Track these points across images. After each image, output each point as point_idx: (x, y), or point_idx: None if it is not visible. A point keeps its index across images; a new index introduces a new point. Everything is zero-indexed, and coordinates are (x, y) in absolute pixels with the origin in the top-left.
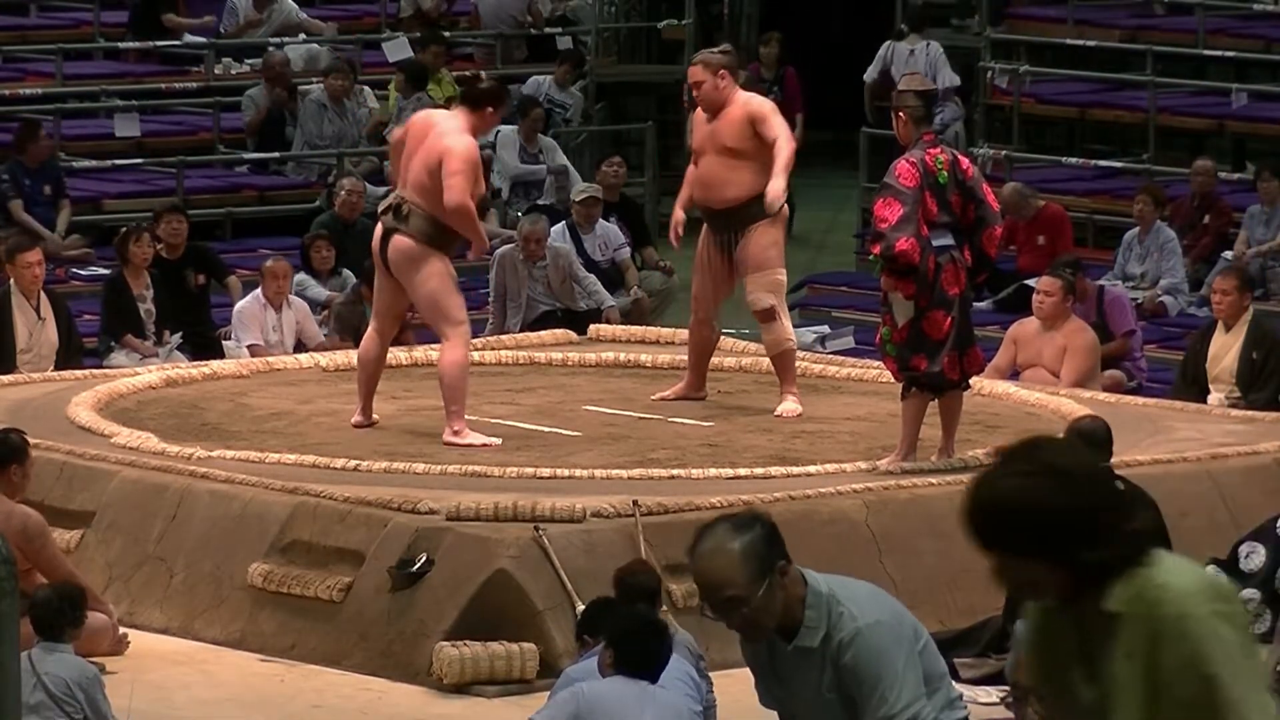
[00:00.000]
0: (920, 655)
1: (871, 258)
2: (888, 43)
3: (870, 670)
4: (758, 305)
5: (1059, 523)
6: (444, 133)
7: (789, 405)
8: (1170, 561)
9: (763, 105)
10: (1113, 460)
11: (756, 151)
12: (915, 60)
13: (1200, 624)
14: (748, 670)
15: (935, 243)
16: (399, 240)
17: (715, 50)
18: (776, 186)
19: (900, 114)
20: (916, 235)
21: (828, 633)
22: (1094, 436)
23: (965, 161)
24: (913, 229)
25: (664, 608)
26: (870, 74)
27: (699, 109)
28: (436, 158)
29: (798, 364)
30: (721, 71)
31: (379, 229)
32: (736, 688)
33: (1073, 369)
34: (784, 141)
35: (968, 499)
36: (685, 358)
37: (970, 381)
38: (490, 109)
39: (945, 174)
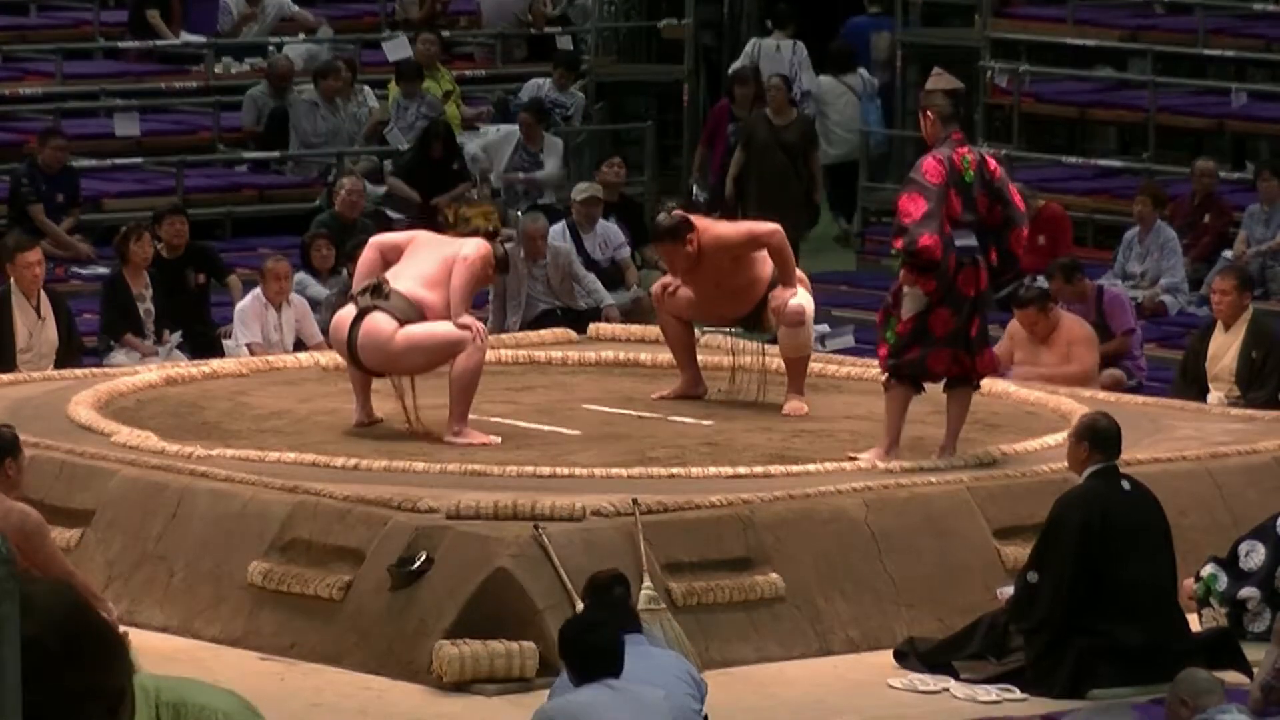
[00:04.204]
0: None
1: (894, 252)
2: (754, 40)
3: None
4: (789, 307)
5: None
6: (462, 246)
7: (795, 404)
8: (192, 683)
9: (728, 237)
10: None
11: (745, 262)
12: (781, 57)
13: None
14: (748, 669)
15: (957, 242)
16: (376, 322)
17: (664, 220)
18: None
19: (928, 112)
20: (940, 232)
21: None
22: (1105, 433)
23: (993, 162)
24: (936, 225)
25: (660, 603)
26: (736, 66)
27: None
28: (453, 259)
29: None
30: (687, 237)
31: (346, 315)
32: (737, 687)
33: (1076, 359)
34: (764, 235)
35: None
36: None
37: (980, 382)
38: (496, 273)
39: (972, 173)
